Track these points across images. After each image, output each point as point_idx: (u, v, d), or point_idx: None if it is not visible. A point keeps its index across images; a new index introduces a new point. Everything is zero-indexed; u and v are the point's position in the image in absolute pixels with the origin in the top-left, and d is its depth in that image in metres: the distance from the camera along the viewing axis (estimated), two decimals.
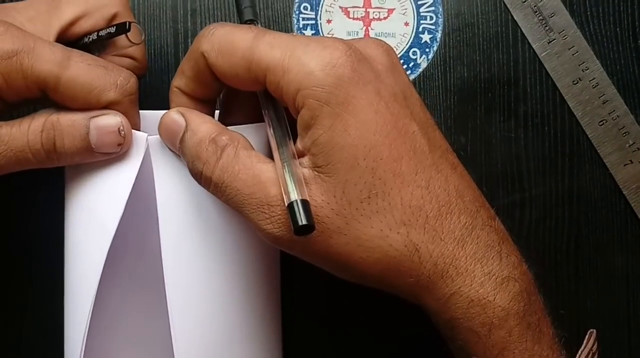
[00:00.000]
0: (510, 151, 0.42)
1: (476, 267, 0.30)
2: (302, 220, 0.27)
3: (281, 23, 0.42)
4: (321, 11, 0.42)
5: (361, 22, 0.42)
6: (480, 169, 0.42)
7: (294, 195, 0.28)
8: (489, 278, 0.30)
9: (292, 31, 0.42)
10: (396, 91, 0.31)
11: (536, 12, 0.42)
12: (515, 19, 0.42)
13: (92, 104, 0.32)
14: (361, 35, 0.42)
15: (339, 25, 0.42)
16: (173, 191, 0.33)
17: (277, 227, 0.29)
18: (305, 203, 0.28)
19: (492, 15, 0.43)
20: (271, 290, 0.35)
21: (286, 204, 0.28)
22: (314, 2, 0.42)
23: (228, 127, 0.32)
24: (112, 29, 0.34)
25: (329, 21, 0.42)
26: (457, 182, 0.31)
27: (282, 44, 0.30)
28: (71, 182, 0.34)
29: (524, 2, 0.42)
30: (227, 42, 0.30)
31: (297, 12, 0.42)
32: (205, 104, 0.34)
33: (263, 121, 0.33)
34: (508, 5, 0.42)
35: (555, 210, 0.42)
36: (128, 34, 0.34)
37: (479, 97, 0.42)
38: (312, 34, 0.42)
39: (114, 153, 0.32)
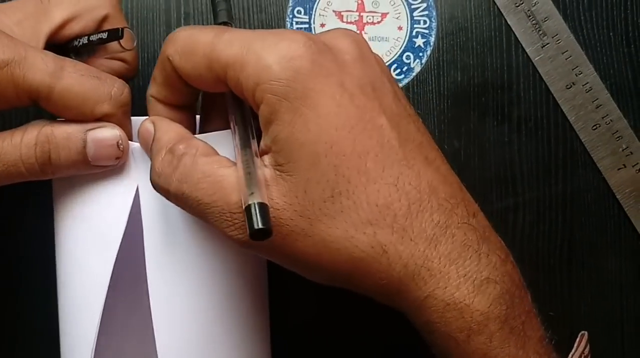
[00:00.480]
0: (503, 155, 0.42)
1: (451, 268, 0.28)
2: (258, 223, 0.26)
3: (274, 27, 0.42)
4: (315, 15, 0.42)
5: (355, 26, 0.42)
6: (474, 173, 0.42)
7: (252, 198, 0.27)
8: (466, 281, 0.28)
9: None
10: (364, 82, 0.29)
11: (529, 16, 0.42)
12: (509, 23, 0.42)
13: (85, 115, 0.31)
14: None
15: None
16: (156, 201, 0.32)
17: (241, 232, 0.28)
18: (262, 206, 0.26)
19: (486, 20, 0.43)
20: (257, 298, 0.35)
21: (243, 207, 0.27)
22: (308, 6, 0.42)
23: (199, 135, 0.32)
24: (104, 35, 0.33)
25: (322, 25, 0.42)
26: (430, 178, 0.29)
27: (240, 39, 0.29)
28: (62, 192, 0.33)
29: (518, 6, 0.42)
30: (189, 43, 0.30)
31: (290, 16, 0.42)
32: (184, 111, 0.33)
33: None
34: (501, 10, 0.42)
35: (548, 214, 0.42)
36: (120, 40, 0.33)
37: (472, 101, 0.42)
38: None
39: (111, 166, 0.32)
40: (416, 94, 0.42)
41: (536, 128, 0.42)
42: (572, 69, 0.42)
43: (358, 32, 0.42)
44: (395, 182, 0.28)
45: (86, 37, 0.34)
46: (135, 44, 0.35)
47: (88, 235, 0.33)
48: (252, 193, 0.27)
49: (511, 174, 0.42)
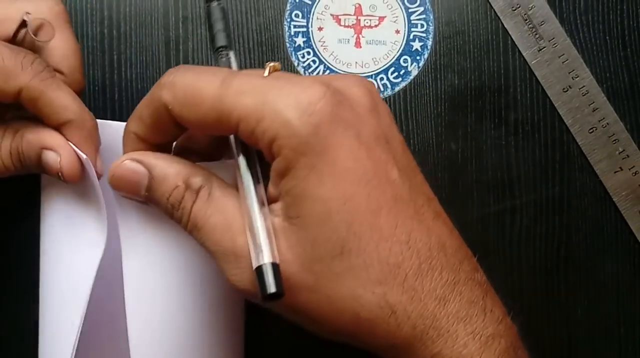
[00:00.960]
0: (500, 158, 0.43)
1: (459, 326, 0.27)
2: (271, 287, 0.25)
3: (272, 30, 0.42)
4: (312, 19, 0.43)
5: (352, 30, 0.43)
6: (471, 176, 0.42)
7: (263, 257, 0.26)
8: (473, 338, 0.27)
9: (282, 39, 0.42)
10: (378, 134, 0.28)
11: (526, 20, 0.42)
12: (506, 27, 0.43)
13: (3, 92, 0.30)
14: (352, 43, 0.42)
15: (330, 33, 0.42)
16: (136, 225, 0.32)
17: (243, 278, 0.28)
18: (275, 268, 0.26)
19: (483, 23, 0.43)
20: (234, 332, 0.35)
21: (254, 266, 0.26)
22: (305, 10, 0.42)
23: (201, 163, 0.31)
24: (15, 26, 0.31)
25: (320, 29, 0.43)
26: (440, 233, 0.28)
27: (253, 89, 0.27)
28: (48, 197, 0.34)
29: (514, 10, 0.42)
30: (192, 93, 0.28)
31: (288, 20, 0.42)
32: (161, 148, 0.32)
33: (221, 159, 0.32)
34: (498, 13, 0.43)
35: (545, 217, 0.43)
36: (37, 31, 0.30)
37: (469, 104, 0.43)
38: (304, 42, 0.42)
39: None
40: (413, 97, 0.42)
41: (533, 131, 0.43)
42: (569, 73, 0.42)
43: (355, 35, 0.43)
44: (407, 240, 0.27)
45: None
46: (53, 35, 0.32)
47: (72, 239, 0.33)
48: (263, 251, 0.26)
49: (508, 177, 0.43)
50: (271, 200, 0.28)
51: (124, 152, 0.31)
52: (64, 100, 0.31)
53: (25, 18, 0.31)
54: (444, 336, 0.27)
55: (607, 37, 0.43)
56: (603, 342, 0.43)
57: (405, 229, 0.27)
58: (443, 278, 0.28)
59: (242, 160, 0.29)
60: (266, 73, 0.29)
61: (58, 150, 0.31)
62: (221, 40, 0.32)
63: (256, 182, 0.29)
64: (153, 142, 0.31)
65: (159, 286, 0.32)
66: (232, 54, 0.32)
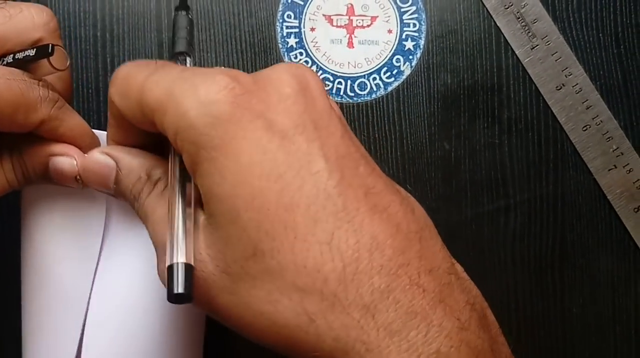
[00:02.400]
0: (494, 157, 0.42)
1: (392, 341, 0.23)
2: (178, 288, 0.24)
3: (265, 32, 0.42)
4: (305, 19, 0.43)
5: (345, 30, 0.43)
6: (465, 175, 0.42)
7: (175, 257, 0.25)
8: (409, 356, 0.23)
9: (275, 40, 0.42)
10: (302, 120, 0.26)
11: (519, 18, 0.42)
12: (498, 25, 0.42)
13: (19, 124, 0.29)
14: (345, 43, 0.42)
15: (323, 34, 0.42)
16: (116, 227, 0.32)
17: (163, 276, 0.26)
18: (187, 268, 0.25)
19: (475, 22, 0.43)
20: (194, 343, 0.35)
21: (166, 264, 0.25)
22: (298, 11, 0.42)
23: None
24: (32, 52, 0.31)
25: (312, 29, 0.42)
26: (375, 230, 0.25)
27: (166, 80, 0.26)
28: (31, 201, 0.34)
29: (507, 8, 0.42)
30: (124, 84, 0.28)
31: (280, 21, 0.42)
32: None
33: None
34: (491, 12, 0.42)
35: (539, 215, 0.42)
36: (51, 58, 0.30)
37: (462, 103, 0.43)
38: (296, 42, 0.42)
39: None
40: (406, 96, 0.42)
41: (526, 129, 0.43)
42: (562, 70, 0.42)
43: (348, 35, 0.43)
44: (328, 240, 0.24)
45: (11, 55, 0.31)
46: (68, 63, 0.32)
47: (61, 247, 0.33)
48: (177, 249, 0.25)
49: (502, 176, 0.42)
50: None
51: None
52: (82, 126, 0.32)
53: (50, 48, 0.31)
54: (374, 352, 0.23)
55: (601, 35, 0.43)
56: (598, 340, 0.43)
57: (327, 227, 0.24)
58: (374, 284, 0.24)
59: (173, 157, 0.29)
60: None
61: (73, 155, 0.31)
62: (181, 46, 0.32)
63: (185, 179, 0.28)
64: (128, 144, 0.30)
65: (124, 288, 0.32)
66: (188, 60, 0.32)
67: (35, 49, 0.30)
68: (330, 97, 0.29)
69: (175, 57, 0.31)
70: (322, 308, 0.24)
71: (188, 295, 0.24)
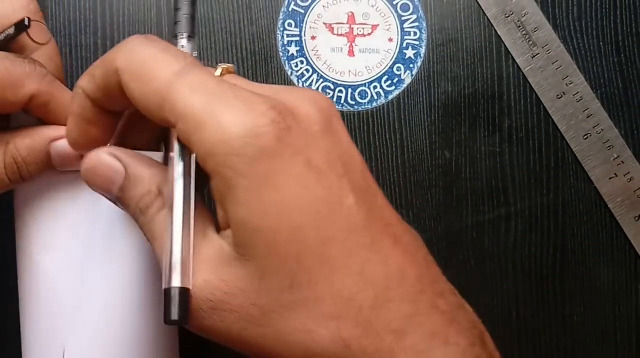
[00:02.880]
0: (495, 165, 0.42)
1: None
2: (174, 314, 0.25)
3: (265, 40, 0.42)
4: (305, 27, 0.43)
5: (345, 38, 0.43)
6: (465, 183, 0.42)
7: (172, 280, 0.25)
8: None
9: (276, 48, 0.42)
10: (332, 157, 0.26)
11: (519, 26, 0.42)
12: (499, 33, 0.42)
13: (9, 101, 0.29)
14: (345, 51, 0.42)
15: (323, 42, 0.42)
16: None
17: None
18: (182, 294, 0.25)
19: (476, 30, 0.43)
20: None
21: (162, 287, 0.25)
22: (298, 19, 0.43)
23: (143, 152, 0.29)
24: (11, 30, 0.30)
25: (313, 37, 0.43)
26: (399, 260, 0.26)
27: (204, 91, 0.25)
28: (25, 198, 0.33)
29: (507, 16, 0.42)
30: (146, 68, 0.26)
31: (281, 29, 0.42)
32: (109, 115, 0.29)
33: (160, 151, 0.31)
34: (491, 20, 0.43)
35: (540, 224, 0.42)
36: (30, 31, 0.30)
37: (463, 111, 0.43)
38: (297, 51, 0.42)
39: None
40: (407, 105, 0.42)
41: (527, 138, 0.43)
42: (563, 79, 0.42)
43: (348, 43, 0.43)
44: (360, 271, 0.26)
45: None
46: (50, 38, 0.31)
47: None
48: (175, 272, 0.25)
49: (502, 184, 0.42)
50: (223, 226, 0.27)
51: (71, 106, 0.29)
52: (65, 94, 0.31)
53: (26, 21, 0.31)
54: None
55: (601, 43, 0.43)
56: (599, 348, 0.43)
57: (359, 259, 0.26)
58: (401, 310, 0.26)
59: (177, 169, 0.27)
60: (217, 73, 0.28)
61: None
62: (183, 27, 0.29)
63: (188, 193, 0.27)
64: (100, 104, 0.29)
65: (110, 282, 0.32)
66: (189, 45, 0.29)
67: (13, 26, 0.31)
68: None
69: (175, 38, 0.29)
70: (356, 334, 0.25)
71: (183, 321, 0.25)
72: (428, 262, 0.28)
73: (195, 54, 0.29)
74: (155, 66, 0.26)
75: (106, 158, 0.28)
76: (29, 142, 0.30)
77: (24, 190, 0.33)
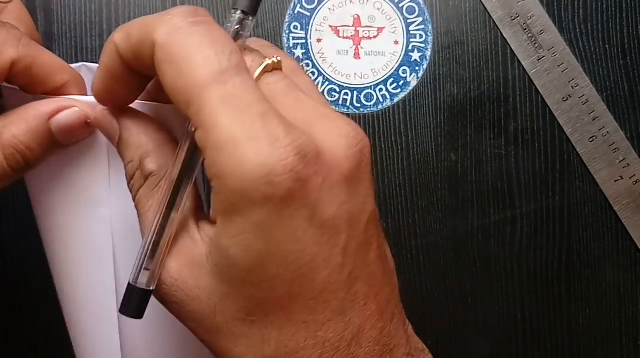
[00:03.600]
0: (500, 168, 0.42)
1: None
2: (131, 310, 0.25)
3: (271, 42, 0.42)
4: (311, 30, 0.43)
5: (351, 41, 0.43)
6: (471, 186, 0.42)
7: (140, 278, 0.25)
8: None
9: (282, 50, 0.42)
10: (340, 212, 0.25)
11: (525, 29, 0.42)
12: (505, 36, 0.42)
13: None
14: (351, 54, 0.42)
15: (329, 44, 0.42)
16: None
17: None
18: (145, 295, 0.25)
19: (482, 33, 0.43)
20: None
21: (130, 278, 0.26)
22: (304, 22, 0.42)
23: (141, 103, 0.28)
24: None
25: (319, 40, 0.42)
26: (363, 322, 0.26)
27: (235, 109, 0.23)
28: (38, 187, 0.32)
29: (513, 19, 0.42)
30: (184, 59, 0.24)
31: (287, 32, 0.42)
32: (139, 76, 0.28)
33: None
34: (497, 23, 0.42)
35: (546, 226, 0.42)
36: None
37: (469, 114, 0.43)
38: (303, 53, 0.42)
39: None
40: (413, 108, 0.42)
41: (533, 141, 0.43)
42: (568, 82, 0.42)
43: (354, 46, 0.43)
44: (316, 331, 0.25)
45: None
46: None
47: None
48: (144, 269, 0.25)
49: (508, 187, 0.42)
50: (211, 221, 0.26)
51: (102, 59, 0.27)
52: (56, 62, 0.29)
53: None
54: None
55: (607, 46, 0.43)
56: (605, 350, 0.43)
57: (320, 319, 0.25)
58: None
59: (181, 156, 0.26)
60: (259, 70, 0.26)
61: (71, 105, 0.29)
62: (243, 3, 0.27)
63: (184, 193, 0.26)
64: (130, 65, 0.27)
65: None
66: (248, 24, 0.27)
67: None
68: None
69: (235, 12, 0.27)
70: None
71: (138, 317, 0.26)
72: (396, 317, 0.27)
73: (247, 35, 0.27)
74: (195, 61, 0.24)
75: (105, 116, 0.28)
76: (25, 126, 0.28)
77: (35, 176, 0.32)
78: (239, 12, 0.26)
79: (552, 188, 0.43)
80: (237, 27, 0.27)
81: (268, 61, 0.26)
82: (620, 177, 0.42)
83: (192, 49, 0.24)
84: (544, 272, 0.42)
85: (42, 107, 0.29)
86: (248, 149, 0.23)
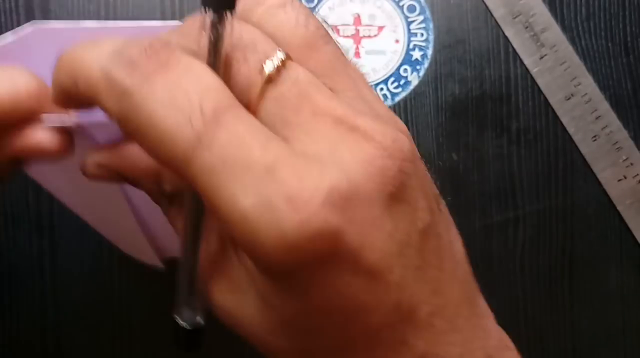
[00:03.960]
0: (503, 168, 0.42)
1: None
2: (183, 345, 0.23)
3: None
4: None
5: (351, 40, 0.42)
6: (473, 186, 0.42)
7: (184, 315, 0.23)
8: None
9: None
10: (387, 249, 0.20)
11: (527, 27, 0.42)
12: (507, 34, 0.42)
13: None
14: (351, 53, 0.42)
15: None
16: None
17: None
18: (193, 333, 0.23)
19: (483, 32, 0.42)
20: None
21: (173, 313, 0.23)
22: None
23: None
24: None
25: None
26: (428, 347, 0.22)
27: (232, 175, 0.18)
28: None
29: (515, 18, 0.42)
30: (150, 130, 0.19)
31: None
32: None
33: None
34: (499, 21, 0.42)
35: (549, 227, 0.42)
36: None
37: (470, 113, 0.42)
38: None
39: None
40: (414, 107, 0.42)
41: (535, 140, 0.42)
42: (571, 80, 0.42)
43: (355, 45, 0.42)
44: None
45: None
46: None
47: None
48: (185, 306, 0.23)
49: (511, 187, 0.42)
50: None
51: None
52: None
53: None
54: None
55: (610, 44, 0.42)
56: (608, 351, 0.42)
57: (380, 355, 0.21)
58: None
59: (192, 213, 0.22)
60: (270, 67, 0.20)
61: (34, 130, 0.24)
62: None
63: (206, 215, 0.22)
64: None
65: None
66: (227, 19, 0.20)
67: None
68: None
69: (216, 16, 0.20)
70: None
71: (194, 352, 0.23)
72: (469, 324, 0.23)
73: (226, 30, 0.20)
74: (164, 132, 0.18)
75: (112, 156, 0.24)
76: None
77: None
78: (210, 11, 0.20)
79: (555, 188, 0.42)
80: (213, 32, 0.20)
81: (269, 65, 0.20)
82: (624, 176, 0.42)
83: (155, 116, 0.19)
84: (547, 272, 0.42)
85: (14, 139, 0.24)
86: (261, 223, 0.18)
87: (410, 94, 0.42)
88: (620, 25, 0.42)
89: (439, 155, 0.42)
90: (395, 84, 0.42)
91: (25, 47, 0.25)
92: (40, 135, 0.24)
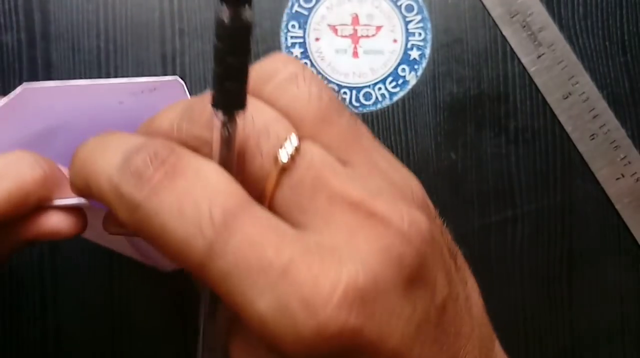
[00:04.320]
0: (501, 167, 0.42)
1: None
2: None
3: (269, 42, 0.42)
4: (309, 29, 0.42)
5: (349, 40, 0.42)
6: (471, 185, 0.42)
7: None
8: None
9: (280, 49, 0.42)
10: (407, 333, 0.20)
11: (525, 27, 0.42)
12: (504, 34, 0.42)
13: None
14: (349, 53, 0.42)
15: (327, 43, 0.42)
16: None
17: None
18: None
19: (481, 31, 0.42)
20: None
21: None
22: (302, 21, 0.42)
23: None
24: None
25: (317, 39, 0.42)
26: None
27: (246, 279, 0.18)
28: None
29: (513, 17, 0.42)
30: (163, 239, 0.19)
31: (285, 31, 0.42)
32: None
33: None
34: (496, 21, 0.42)
35: (547, 225, 0.42)
36: None
37: (468, 113, 0.42)
38: (301, 52, 0.42)
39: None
40: (412, 106, 0.42)
41: (533, 139, 0.42)
42: (569, 79, 0.42)
43: (352, 45, 0.42)
44: None
45: None
46: None
47: None
48: None
49: (509, 186, 0.42)
50: None
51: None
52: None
53: None
54: None
55: (607, 43, 0.42)
56: (607, 350, 0.42)
57: None
58: None
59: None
60: (284, 155, 0.20)
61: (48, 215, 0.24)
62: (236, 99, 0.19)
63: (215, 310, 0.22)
64: None
65: None
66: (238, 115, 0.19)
67: None
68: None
69: (228, 114, 0.19)
70: None
71: None
72: None
73: (236, 131, 0.20)
74: (177, 242, 0.19)
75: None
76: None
77: None
78: (219, 112, 0.19)
79: (553, 187, 0.42)
80: (224, 131, 0.19)
81: (283, 155, 0.20)
82: (622, 175, 0.42)
83: (166, 228, 0.19)
84: (545, 271, 0.42)
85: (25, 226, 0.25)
86: (279, 327, 0.18)
87: (408, 93, 0.42)
88: (618, 24, 0.42)
89: (437, 154, 0.42)
90: (394, 83, 0.42)
91: (16, 107, 0.25)
92: (55, 220, 0.24)
